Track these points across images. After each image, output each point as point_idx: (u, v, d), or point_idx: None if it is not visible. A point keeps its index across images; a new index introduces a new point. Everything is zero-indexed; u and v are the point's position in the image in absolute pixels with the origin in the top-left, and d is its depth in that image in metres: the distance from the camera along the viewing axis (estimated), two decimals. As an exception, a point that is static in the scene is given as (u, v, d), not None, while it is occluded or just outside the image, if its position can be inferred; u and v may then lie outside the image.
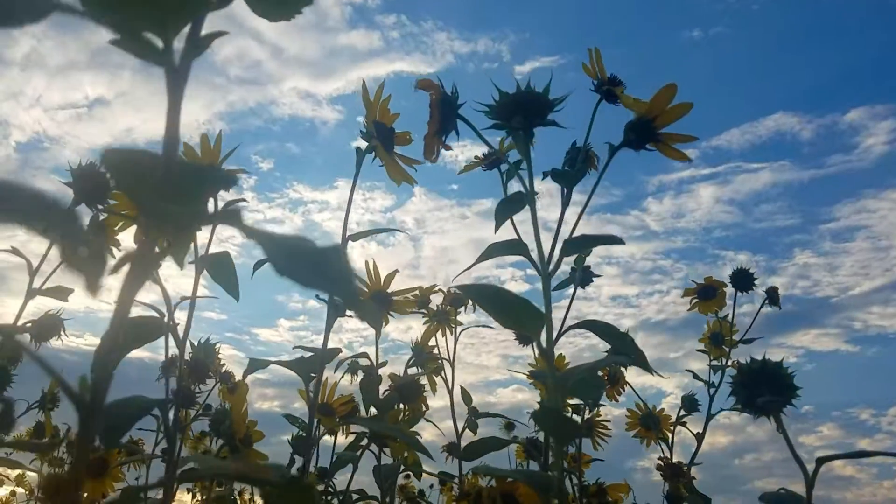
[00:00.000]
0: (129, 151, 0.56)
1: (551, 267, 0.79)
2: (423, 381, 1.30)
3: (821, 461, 0.63)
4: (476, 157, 1.18)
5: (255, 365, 0.95)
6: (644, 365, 0.83)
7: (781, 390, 0.66)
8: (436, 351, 1.42)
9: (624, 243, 0.80)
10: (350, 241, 0.99)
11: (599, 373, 1.38)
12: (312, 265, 0.38)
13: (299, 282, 0.37)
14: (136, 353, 0.90)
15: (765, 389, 0.67)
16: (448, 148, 0.93)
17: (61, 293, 0.92)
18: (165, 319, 0.81)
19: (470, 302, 1.46)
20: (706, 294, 1.70)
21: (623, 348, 0.82)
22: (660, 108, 0.79)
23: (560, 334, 0.82)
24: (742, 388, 0.68)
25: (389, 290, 1.17)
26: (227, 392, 1.34)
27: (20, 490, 2.38)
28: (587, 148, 0.97)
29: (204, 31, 0.44)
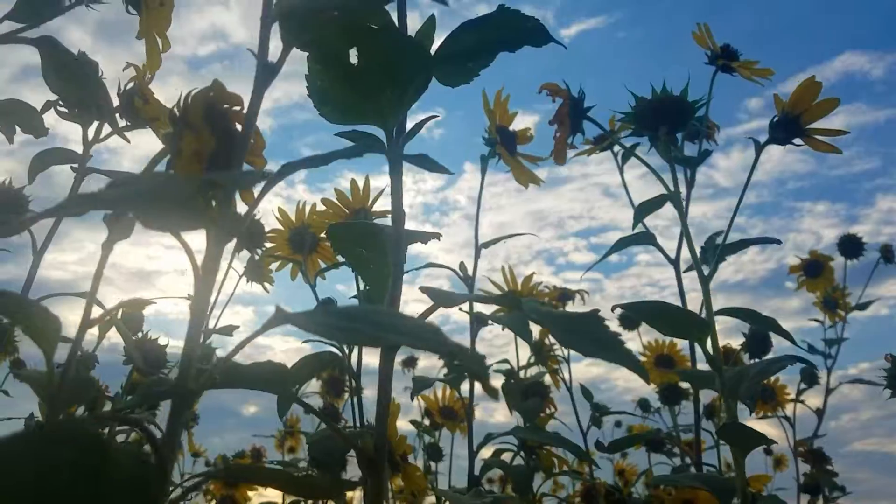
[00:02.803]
0: (351, 225, 0.59)
1: (707, 271, 0.80)
2: (546, 379, 1.31)
3: None
4: (587, 140, 1.16)
5: (419, 384, 0.99)
6: (803, 360, 0.84)
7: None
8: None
9: (780, 243, 0.80)
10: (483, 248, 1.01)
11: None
12: (585, 335, 0.39)
13: (580, 351, 0.39)
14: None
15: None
16: (573, 147, 0.94)
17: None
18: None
19: (578, 295, 1.47)
20: (812, 271, 1.65)
21: (768, 330, 0.83)
22: (805, 103, 0.78)
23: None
24: None
25: (528, 295, 1.17)
26: (393, 414, 1.38)
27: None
28: (707, 122, 0.95)
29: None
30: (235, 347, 0.36)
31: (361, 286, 0.94)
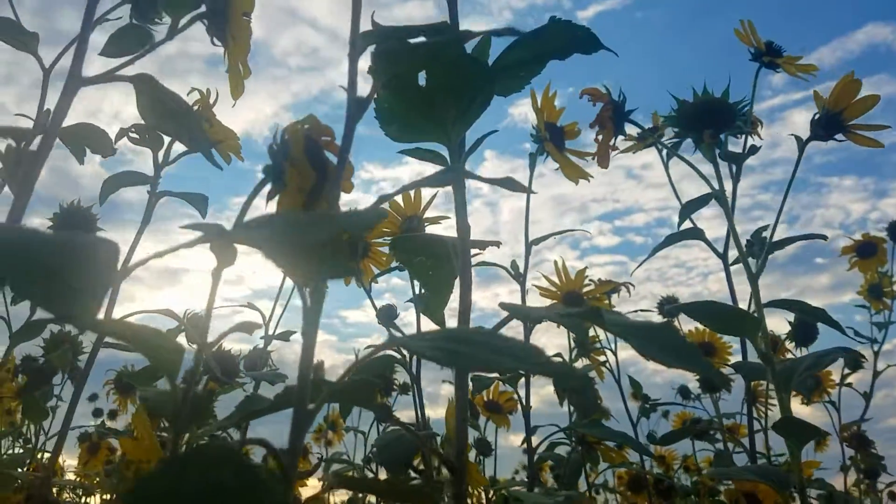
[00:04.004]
0: (414, 236, 0.62)
1: (755, 267, 0.82)
2: (591, 373, 1.33)
3: None
4: (629, 136, 1.17)
5: (479, 384, 1.02)
6: (852, 351, 0.85)
7: None
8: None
9: (826, 239, 0.82)
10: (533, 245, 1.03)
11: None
12: (666, 346, 0.42)
13: (661, 362, 0.42)
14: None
15: None
16: (615, 149, 0.96)
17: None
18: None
19: (623, 288, 1.49)
20: (865, 251, 1.64)
21: (817, 321, 0.84)
22: (846, 101, 0.80)
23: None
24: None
25: (582, 290, 1.18)
26: (451, 414, 1.42)
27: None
28: (750, 119, 0.96)
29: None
30: (347, 370, 0.39)
31: (417, 290, 0.97)
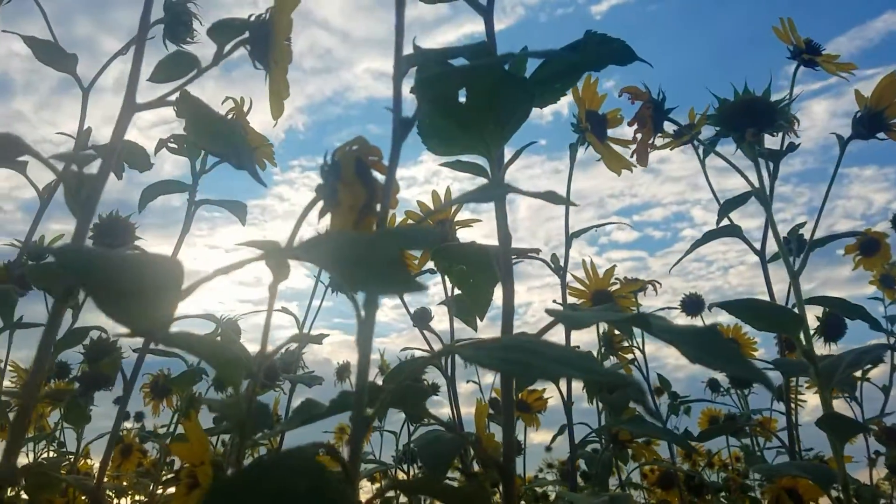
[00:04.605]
0: (461, 246, 0.64)
1: (796, 266, 0.82)
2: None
3: None
4: (664, 134, 1.16)
5: (523, 384, 1.03)
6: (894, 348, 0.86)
7: None
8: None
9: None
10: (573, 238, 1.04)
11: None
12: (713, 350, 0.43)
13: (709, 366, 0.43)
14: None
15: None
16: (654, 147, 0.96)
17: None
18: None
19: (650, 286, 1.50)
20: (869, 249, 1.63)
21: (856, 317, 0.85)
22: (888, 99, 0.80)
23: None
24: None
25: (610, 289, 1.19)
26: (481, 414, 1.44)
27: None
28: (788, 117, 0.96)
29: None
30: (404, 377, 0.41)
31: (450, 292, 0.99)
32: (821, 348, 1.57)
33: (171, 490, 1.40)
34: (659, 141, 1.03)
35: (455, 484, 0.93)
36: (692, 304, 1.70)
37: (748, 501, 1.17)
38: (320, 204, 0.47)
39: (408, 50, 0.51)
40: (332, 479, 0.33)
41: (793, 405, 1.59)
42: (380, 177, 0.47)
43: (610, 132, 1.00)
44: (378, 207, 0.46)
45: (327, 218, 0.48)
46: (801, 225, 1.09)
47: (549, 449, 3.74)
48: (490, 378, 1.50)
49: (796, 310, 0.83)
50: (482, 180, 0.62)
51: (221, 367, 0.41)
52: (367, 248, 0.32)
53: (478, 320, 0.99)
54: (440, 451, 0.75)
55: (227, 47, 0.56)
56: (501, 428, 0.54)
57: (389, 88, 0.48)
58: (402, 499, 1.61)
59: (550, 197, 0.43)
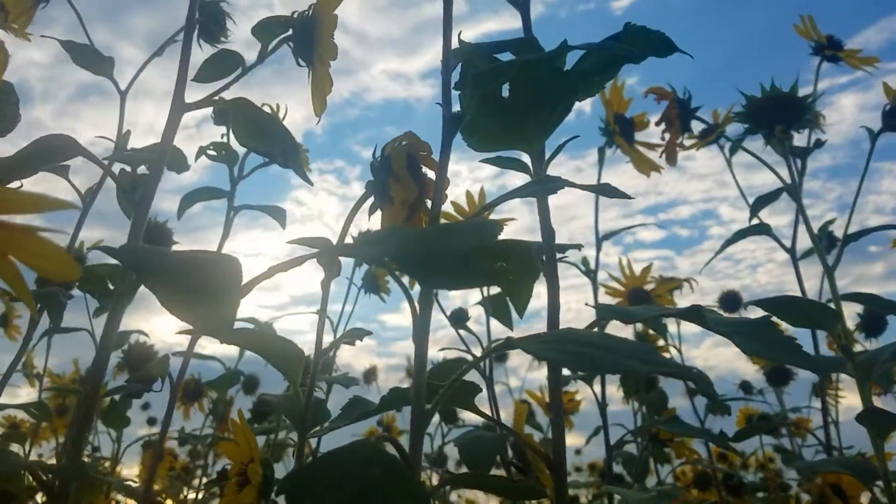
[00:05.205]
0: (501, 243, 0.64)
1: (831, 262, 0.81)
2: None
3: None
4: (691, 134, 1.15)
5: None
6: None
7: None
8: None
9: (903, 229, 0.81)
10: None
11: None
12: (767, 342, 0.43)
13: (764, 357, 0.43)
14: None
15: None
16: (682, 147, 0.96)
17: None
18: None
19: (686, 284, 1.49)
20: None
21: (891, 313, 0.83)
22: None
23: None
24: None
25: (648, 287, 1.18)
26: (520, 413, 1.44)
27: None
28: (814, 113, 0.95)
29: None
30: (456, 376, 0.41)
31: (485, 293, 0.99)
32: (862, 345, 1.55)
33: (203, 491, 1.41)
34: (687, 141, 1.03)
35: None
36: (730, 301, 1.68)
37: (793, 500, 1.15)
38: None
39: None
40: (401, 466, 0.34)
41: (831, 402, 1.57)
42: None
43: (638, 135, 1.01)
44: (429, 203, 0.46)
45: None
46: (832, 221, 1.08)
47: (578, 452, 3.72)
48: (514, 381, 1.49)
49: (832, 305, 0.82)
50: (524, 176, 0.62)
51: (284, 364, 0.41)
52: (436, 241, 0.32)
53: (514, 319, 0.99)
54: (483, 450, 0.76)
55: (271, 45, 0.57)
56: (550, 425, 0.54)
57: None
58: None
59: (605, 190, 0.44)
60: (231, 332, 0.38)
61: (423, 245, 0.32)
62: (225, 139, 0.90)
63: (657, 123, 0.94)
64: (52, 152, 0.44)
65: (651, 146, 0.97)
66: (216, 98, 0.55)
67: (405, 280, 0.47)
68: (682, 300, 1.54)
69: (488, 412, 1.07)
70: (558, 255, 0.77)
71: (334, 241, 0.42)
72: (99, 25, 0.92)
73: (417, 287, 0.44)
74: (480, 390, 0.49)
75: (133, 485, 0.97)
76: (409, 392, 0.43)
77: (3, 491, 0.44)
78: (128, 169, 0.55)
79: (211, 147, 0.86)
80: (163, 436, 0.83)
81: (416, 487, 0.33)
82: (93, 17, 0.92)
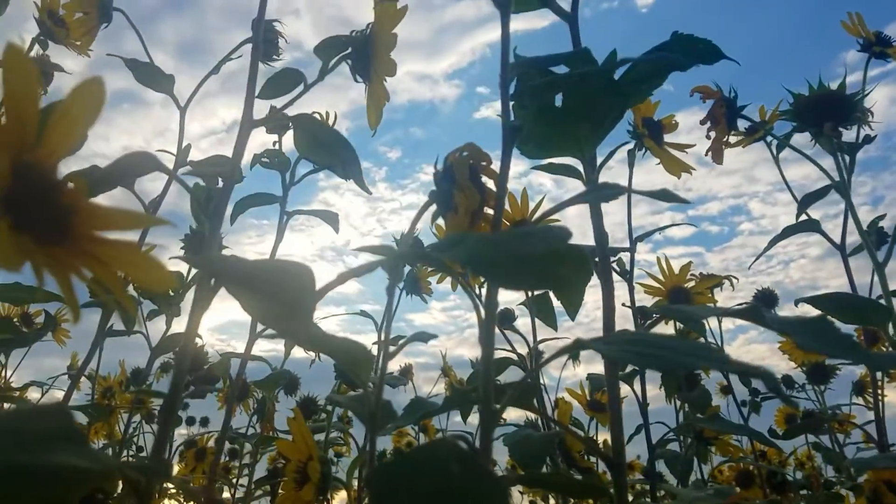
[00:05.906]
0: (571, 245, 0.65)
1: (882, 257, 0.81)
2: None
3: None
4: (735, 132, 1.15)
5: (596, 383, 1.04)
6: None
7: None
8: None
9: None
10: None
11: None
12: (825, 339, 0.44)
13: (823, 353, 0.44)
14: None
15: None
16: (729, 145, 0.97)
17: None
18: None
19: (727, 281, 1.49)
20: None
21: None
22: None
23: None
24: None
25: (687, 285, 1.18)
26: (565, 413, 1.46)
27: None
28: (861, 109, 0.95)
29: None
30: (524, 377, 0.43)
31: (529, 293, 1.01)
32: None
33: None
34: (732, 139, 1.03)
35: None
36: (765, 299, 1.67)
37: (848, 498, 1.14)
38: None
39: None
40: (479, 462, 0.36)
41: (871, 399, 1.55)
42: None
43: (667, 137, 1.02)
44: (490, 210, 0.48)
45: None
46: (882, 217, 1.08)
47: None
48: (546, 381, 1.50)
49: (882, 301, 0.82)
50: (545, 180, 0.64)
51: (354, 367, 0.44)
52: (509, 246, 0.34)
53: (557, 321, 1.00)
54: (533, 449, 0.77)
55: (332, 63, 0.59)
56: (609, 423, 0.56)
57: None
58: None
59: (664, 196, 0.45)
60: (308, 335, 0.41)
61: (496, 249, 0.34)
62: (277, 146, 0.93)
63: (702, 122, 0.95)
64: (136, 167, 0.46)
65: (681, 147, 0.97)
66: (280, 114, 0.58)
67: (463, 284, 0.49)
68: (719, 297, 1.54)
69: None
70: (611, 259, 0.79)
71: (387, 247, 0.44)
72: (129, 32, 0.95)
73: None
74: (539, 391, 0.50)
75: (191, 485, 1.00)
76: (471, 393, 0.45)
77: (99, 489, 0.47)
78: (201, 182, 0.58)
79: (265, 155, 0.89)
80: (223, 434, 0.86)
81: (494, 481, 0.35)
82: (123, 24, 0.95)
